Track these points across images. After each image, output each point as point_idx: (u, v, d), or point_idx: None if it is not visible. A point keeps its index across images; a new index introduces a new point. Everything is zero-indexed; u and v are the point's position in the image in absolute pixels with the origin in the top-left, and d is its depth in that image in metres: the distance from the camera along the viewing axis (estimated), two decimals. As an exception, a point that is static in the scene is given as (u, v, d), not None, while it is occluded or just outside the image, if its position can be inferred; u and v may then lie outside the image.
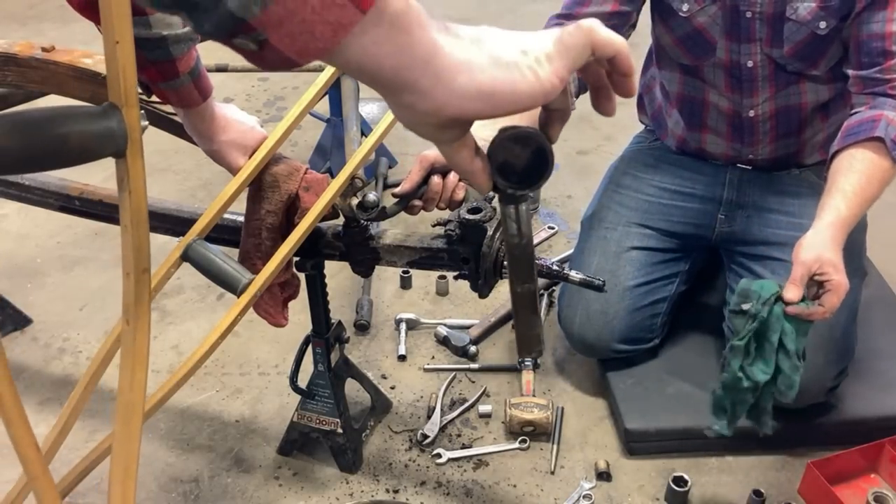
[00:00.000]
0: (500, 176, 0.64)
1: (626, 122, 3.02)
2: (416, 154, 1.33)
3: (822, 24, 1.52)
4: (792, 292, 1.35)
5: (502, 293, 2.13)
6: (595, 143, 2.79)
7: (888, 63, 1.49)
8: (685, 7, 1.59)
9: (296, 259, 1.42)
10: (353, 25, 0.49)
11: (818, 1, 1.51)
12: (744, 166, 1.78)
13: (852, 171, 1.44)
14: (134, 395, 0.99)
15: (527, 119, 0.61)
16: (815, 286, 1.37)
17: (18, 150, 0.77)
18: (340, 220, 1.40)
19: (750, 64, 1.60)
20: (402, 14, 0.51)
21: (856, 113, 1.52)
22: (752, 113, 1.67)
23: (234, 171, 1.33)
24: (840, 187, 1.43)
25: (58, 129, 0.80)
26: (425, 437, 1.72)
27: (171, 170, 2.60)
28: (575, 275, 1.32)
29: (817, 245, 1.37)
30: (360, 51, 0.51)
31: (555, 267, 1.32)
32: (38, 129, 0.80)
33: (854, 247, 1.65)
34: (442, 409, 1.78)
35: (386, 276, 2.18)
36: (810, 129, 1.69)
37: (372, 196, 1.35)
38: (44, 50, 1.52)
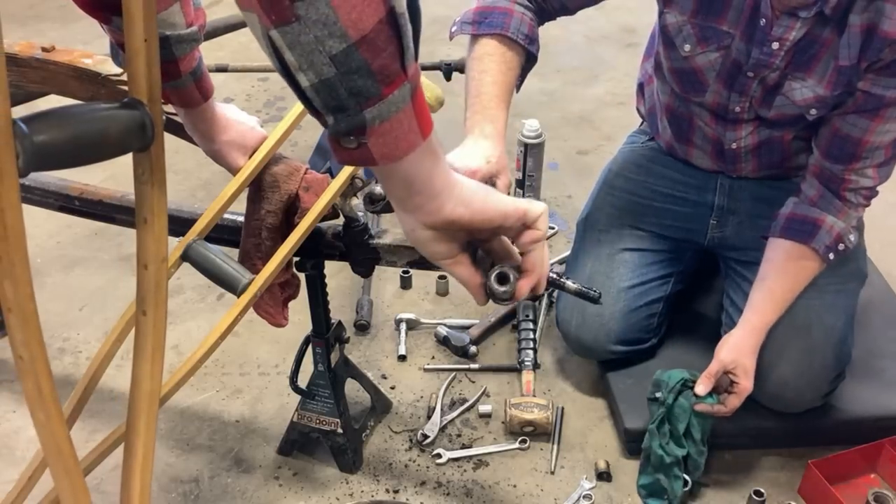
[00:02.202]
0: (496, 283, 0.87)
1: (625, 122, 3.00)
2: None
3: (813, 111, 1.52)
4: (703, 386, 1.51)
5: (502, 293, 2.13)
6: (595, 143, 2.79)
7: (852, 165, 1.50)
8: (686, 47, 1.56)
9: (296, 259, 1.42)
10: (416, 145, 0.74)
11: (815, 95, 1.49)
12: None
13: (785, 272, 1.56)
14: (153, 384, 1.00)
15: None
16: (727, 380, 1.53)
17: (66, 143, 0.79)
18: (340, 220, 1.40)
19: (737, 109, 1.59)
20: (437, 147, 0.77)
21: (803, 198, 1.57)
22: (734, 145, 1.66)
23: (234, 171, 1.33)
24: (770, 287, 1.56)
25: (99, 123, 0.83)
26: (425, 437, 1.72)
27: (171, 170, 2.59)
28: (571, 284, 1.31)
29: (739, 350, 1.53)
30: (411, 162, 0.75)
31: (552, 275, 1.29)
32: (82, 123, 0.82)
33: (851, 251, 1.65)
34: (442, 409, 1.78)
35: (386, 276, 2.17)
36: (794, 158, 1.68)
37: (379, 188, 1.35)
38: (44, 50, 1.52)
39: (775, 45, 1.46)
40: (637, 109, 1.95)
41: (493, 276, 0.86)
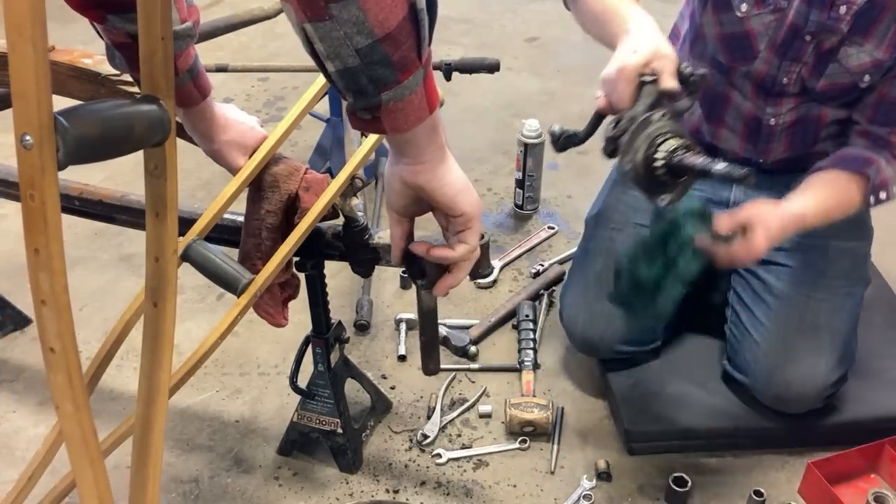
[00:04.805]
0: (407, 265, 1.04)
1: (626, 122, 2.98)
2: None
3: (867, 78, 1.51)
4: (724, 223, 1.41)
5: (502, 293, 2.13)
6: (595, 144, 2.78)
7: None
8: (744, 7, 1.52)
9: (296, 259, 1.42)
10: (424, 119, 0.86)
11: (872, 60, 1.48)
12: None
13: (833, 189, 1.52)
14: (164, 375, 1.02)
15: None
16: (740, 233, 1.41)
17: (98, 137, 0.82)
18: (340, 220, 1.40)
19: (784, 81, 1.57)
20: (438, 120, 0.90)
21: (852, 146, 1.56)
22: (772, 121, 1.64)
23: (234, 171, 1.33)
24: (817, 196, 1.50)
25: (126, 118, 0.86)
26: (425, 437, 1.72)
27: (171, 170, 2.60)
28: (720, 167, 1.18)
29: (768, 213, 1.42)
30: (413, 134, 0.87)
31: (697, 161, 1.19)
32: (112, 118, 0.85)
33: (858, 256, 1.65)
34: (442, 409, 1.78)
35: (386, 276, 2.17)
36: (821, 145, 1.67)
37: (556, 128, 1.36)
38: (44, 50, 1.51)
39: (843, 9, 1.44)
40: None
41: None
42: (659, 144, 1.21)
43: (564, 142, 1.38)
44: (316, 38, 0.77)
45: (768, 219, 1.42)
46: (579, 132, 1.38)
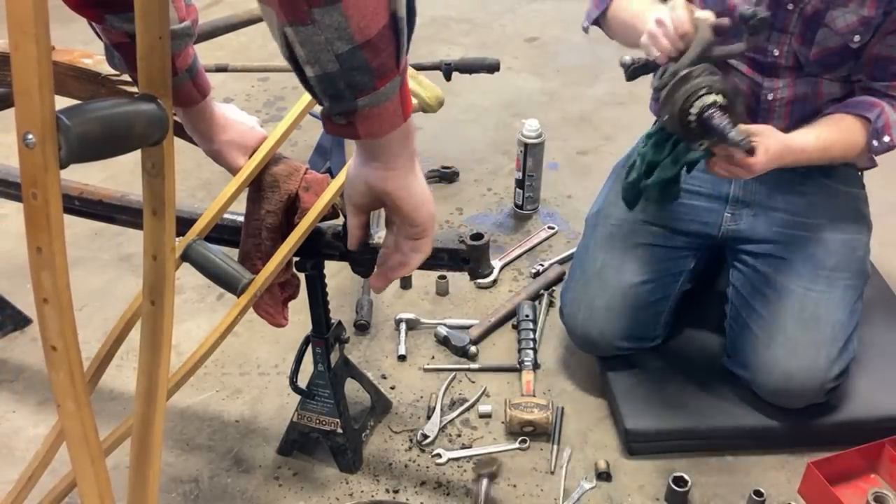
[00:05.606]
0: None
1: (625, 122, 3.00)
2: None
3: (856, 38, 1.53)
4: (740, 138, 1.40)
5: (502, 293, 2.13)
6: (595, 143, 2.79)
7: (895, 83, 1.56)
8: None
9: (296, 259, 1.42)
10: (398, 126, 0.87)
11: (859, 18, 1.50)
12: None
13: (836, 126, 1.58)
14: (161, 372, 1.02)
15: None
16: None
17: (99, 136, 0.82)
18: (340, 220, 1.40)
19: (776, 52, 1.59)
20: (411, 128, 0.91)
21: (858, 95, 1.62)
22: (770, 96, 1.64)
23: (234, 171, 1.33)
24: (820, 132, 1.57)
25: (127, 116, 0.87)
26: (425, 437, 1.72)
27: (170, 170, 2.60)
28: (732, 135, 1.33)
29: (776, 146, 1.50)
30: (387, 140, 0.88)
31: (719, 124, 1.34)
32: (112, 116, 0.86)
33: (857, 248, 1.64)
34: (442, 409, 1.78)
35: (386, 276, 2.17)
36: None
37: (627, 58, 1.50)
38: (44, 50, 1.51)
39: None
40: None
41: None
42: (695, 100, 1.35)
43: (634, 71, 1.50)
44: (296, 43, 0.76)
45: (771, 141, 1.50)
46: (651, 61, 1.49)
